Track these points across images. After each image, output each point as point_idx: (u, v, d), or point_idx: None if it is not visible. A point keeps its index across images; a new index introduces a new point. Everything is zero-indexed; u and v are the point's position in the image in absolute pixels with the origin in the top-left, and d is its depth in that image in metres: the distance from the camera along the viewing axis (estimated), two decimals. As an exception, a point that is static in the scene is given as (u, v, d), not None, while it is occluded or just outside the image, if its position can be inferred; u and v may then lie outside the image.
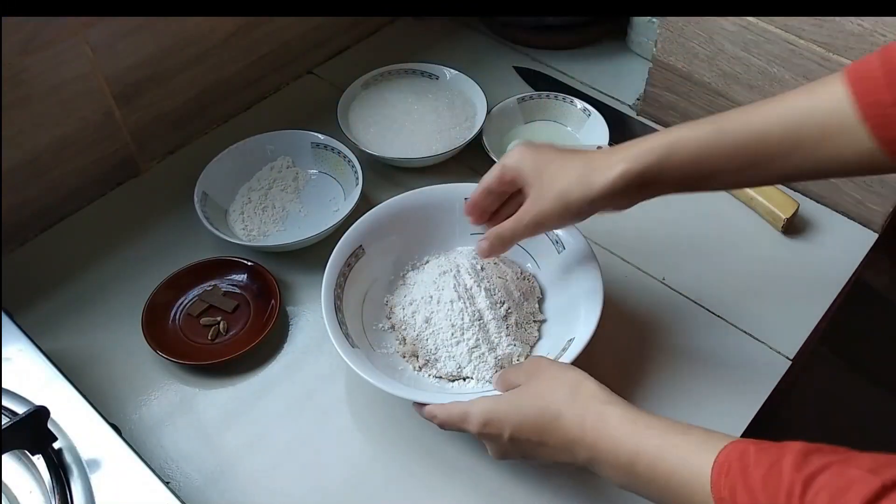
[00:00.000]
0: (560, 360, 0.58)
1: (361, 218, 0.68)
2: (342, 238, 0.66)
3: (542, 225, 0.57)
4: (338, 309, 0.63)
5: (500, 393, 0.56)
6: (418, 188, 0.71)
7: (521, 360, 0.63)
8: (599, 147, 0.81)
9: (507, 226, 0.58)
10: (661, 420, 0.48)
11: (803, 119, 0.49)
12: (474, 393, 0.60)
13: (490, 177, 0.59)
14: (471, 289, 0.63)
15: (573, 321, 0.63)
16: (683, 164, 0.53)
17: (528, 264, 0.70)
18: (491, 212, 0.62)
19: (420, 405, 0.57)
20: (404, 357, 0.64)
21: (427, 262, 0.70)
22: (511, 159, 0.58)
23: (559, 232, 0.67)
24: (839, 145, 0.48)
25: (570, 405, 0.50)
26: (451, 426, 0.55)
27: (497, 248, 0.60)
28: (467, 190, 0.68)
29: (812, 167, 0.51)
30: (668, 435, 0.47)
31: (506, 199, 0.61)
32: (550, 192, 0.55)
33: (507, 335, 0.63)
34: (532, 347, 0.65)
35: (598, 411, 0.49)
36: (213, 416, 0.64)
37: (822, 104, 0.49)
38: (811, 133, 0.49)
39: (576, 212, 0.55)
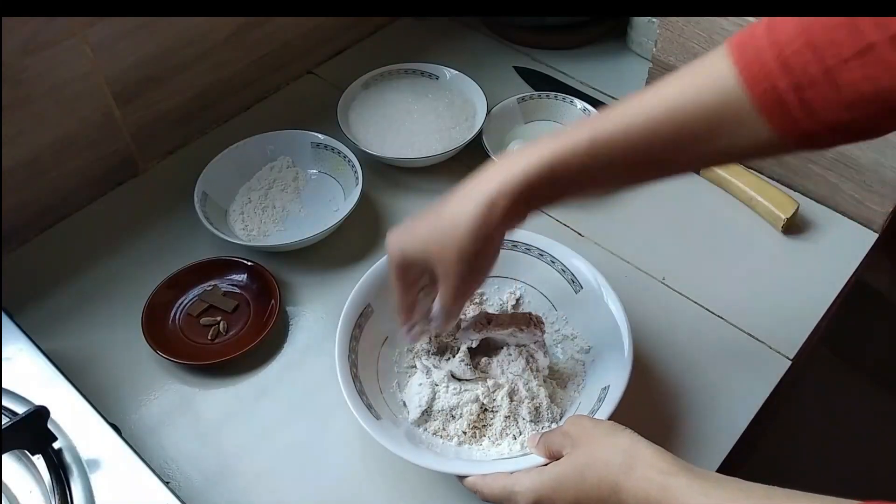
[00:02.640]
0: (599, 415, 0.55)
1: (366, 275, 0.64)
2: (349, 300, 0.63)
3: (473, 282, 0.53)
4: (355, 377, 0.59)
5: (542, 462, 0.52)
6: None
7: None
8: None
9: (445, 300, 0.53)
10: (735, 485, 0.43)
11: (691, 113, 0.45)
12: (514, 457, 0.55)
13: (393, 277, 0.54)
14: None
15: (601, 365, 0.61)
16: (567, 184, 0.48)
17: (548, 308, 0.67)
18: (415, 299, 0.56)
19: (461, 475, 0.54)
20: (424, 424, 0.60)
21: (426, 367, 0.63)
22: (393, 250, 0.53)
23: (574, 272, 0.65)
24: (734, 136, 0.45)
25: (628, 477, 0.46)
26: (495, 501, 0.51)
27: (449, 323, 0.56)
28: None
29: (704, 161, 0.48)
30: None
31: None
32: (451, 256, 0.50)
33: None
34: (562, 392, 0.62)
35: (662, 484, 0.45)
36: (213, 416, 0.64)
37: (710, 94, 0.45)
38: (701, 128, 0.45)
39: (482, 251, 0.50)
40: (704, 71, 0.46)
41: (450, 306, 0.53)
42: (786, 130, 0.44)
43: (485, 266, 0.53)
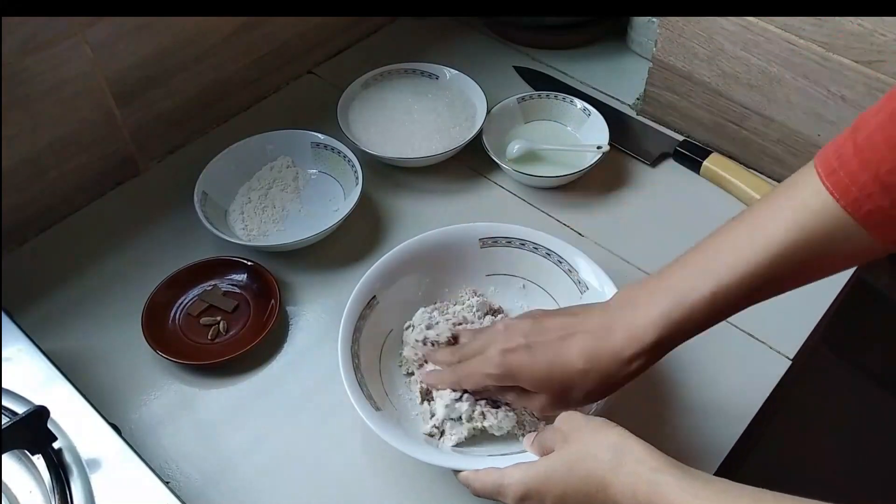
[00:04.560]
0: (595, 414, 0.55)
1: (372, 268, 0.65)
2: (354, 292, 0.63)
3: None
4: (356, 368, 0.59)
5: (534, 458, 0.52)
6: (427, 231, 0.68)
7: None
8: (599, 147, 0.81)
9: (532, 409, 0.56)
10: (724, 486, 0.43)
11: (803, 249, 0.48)
12: (509, 455, 0.55)
13: (486, 380, 0.55)
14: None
15: None
16: (687, 332, 0.51)
17: (552, 307, 0.66)
18: None
19: (455, 470, 0.54)
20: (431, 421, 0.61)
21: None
22: (511, 368, 0.54)
23: (581, 273, 0.65)
24: (845, 254, 0.48)
25: (617, 472, 0.46)
26: (487, 495, 0.52)
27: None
28: (479, 230, 0.66)
29: (816, 278, 0.51)
30: None
31: None
32: (572, 403, 0.53)
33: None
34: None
35: (650, 480, 0.45)
36: (213, 415, 0.64)
37: (817, 228, 0.47)
38: (814, 259, 0.48)
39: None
40: (802, 203, 0.48)
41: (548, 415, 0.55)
42: (892, 240, 0.47)
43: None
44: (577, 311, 0.55)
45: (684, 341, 0.52)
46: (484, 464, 0.53)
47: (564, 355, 0.52)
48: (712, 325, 0.52)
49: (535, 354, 0.53)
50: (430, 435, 0.59)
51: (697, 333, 0.52)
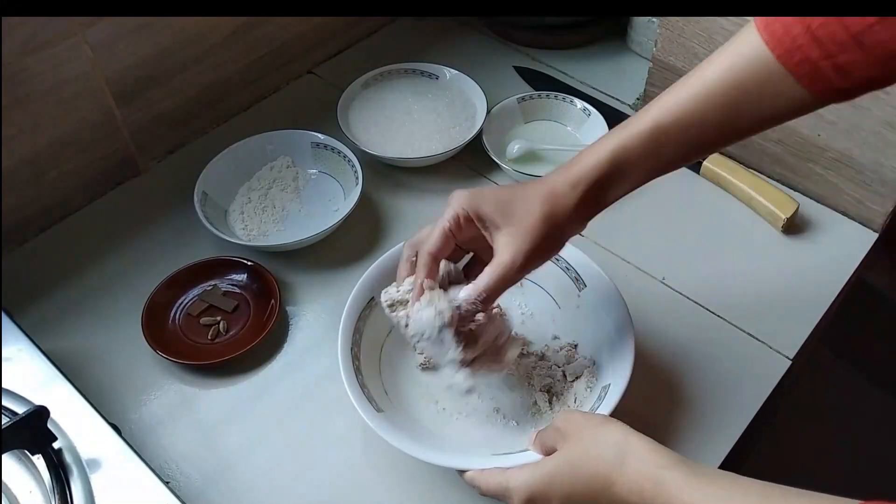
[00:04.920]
0: (597, 412, 0.55)
1: (370, 268, 0.64)
2: (353, 292, 0.63)
3: (532, 261, 0.53)
4: (357, 370, 0.59)
5: (539, 458, 0.51)
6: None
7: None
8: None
9: (495, 274, 0.52)
10: (731, 481, 0.43)
11: (735, 91, 0.49)
12: (511, 454, 0.55)
13: (443, 227, 0.54)
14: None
15: (602, 364, 0.61)
16: (629, 171, 0.52)
17: (551, 306, 0.67)
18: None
19: (460, 470, 0.54)
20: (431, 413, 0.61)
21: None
22: (463, 200, 0.54)
23: (579, 270, 0.65)
24: (776, 103, 0.50)
25: (622, 470, 0.46)
26: (492, 496, 0.52)
27: (484, 305, 0.54)
28: None
29: (751, 130, 0.52)
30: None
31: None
32: (531, 221, 0.52)
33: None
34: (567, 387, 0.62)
35: (656, 477, 0.44)
36: (213, 415, 0.64)
37: (749, 73, 0.49)
38: (745, 103, 0.50)
39: (561, 235, 0.53)
40: (739, 51, 0.50)
41: (492, 288, 0.52)
42: (823, 92, 0.48)
43: (545, 252, 0.54)
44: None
45: (632, 183, 0.53)
46: (487, 463, 0.53)
47: (527, 198, 0.53)
48: (654, 169, 0.53)
49: (500, 194, 0.54)
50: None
51: (643, 176, 0.53)
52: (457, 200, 0.55)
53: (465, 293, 0.53)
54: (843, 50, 0.45)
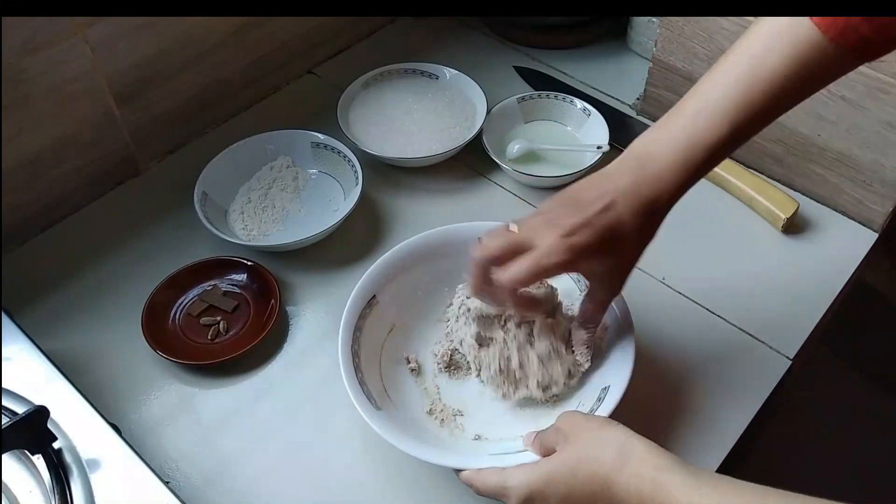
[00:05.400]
0: (598, 414, 0.55)
1: (372, 266, 0.65)
2: (354, 291, 0.63)
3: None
4: (357, 367, 0.59)
5: (537, 458, 0.52)
6: (427, 231, 0.68)
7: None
8: (599, 147, 0.81)
9: (602, 296, 0.57)
10: (729, 484, 0.43)
11: (801, 84, 0.51)
12: (510, 454, 0.55)
13: (558, 263, 0.52)
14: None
15: (602, 364, 0.61)
16: (706, 171, 0.54)
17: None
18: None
19: (457, 469, 0.54)
20: (431, 413, 0.62)
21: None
22: (571, 243, 0.52)
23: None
24: (831, 78, 0.52)
25: (621, 472, 0.46)
26: (489, 495, 0.52)
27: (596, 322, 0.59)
28: (479, 229, 0.65)
29: (813, 92, 0.54)
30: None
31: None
32: (623, 260, 0.55)
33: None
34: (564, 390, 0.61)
35: (655, 479, 0.44)
36: (212, 415, 0.64)
37: (812, 63, 0.50)
38: (806, 90, 0.52)
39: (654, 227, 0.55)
40: (795, 38, 0.50)
41: (605, 302, 0.57)
42: (855, 48, 0.49)
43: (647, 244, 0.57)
44: (600, 177, 0.55)
45: (706, 174, 0.55)
46: (486, 463, 0.53)
47: (616, 219, 0.53)
48: (726, 157, 0.55)
49: (593, 227, 0.52)
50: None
51: (715, 167, 0.55)
52: (570, 243, 0.52)
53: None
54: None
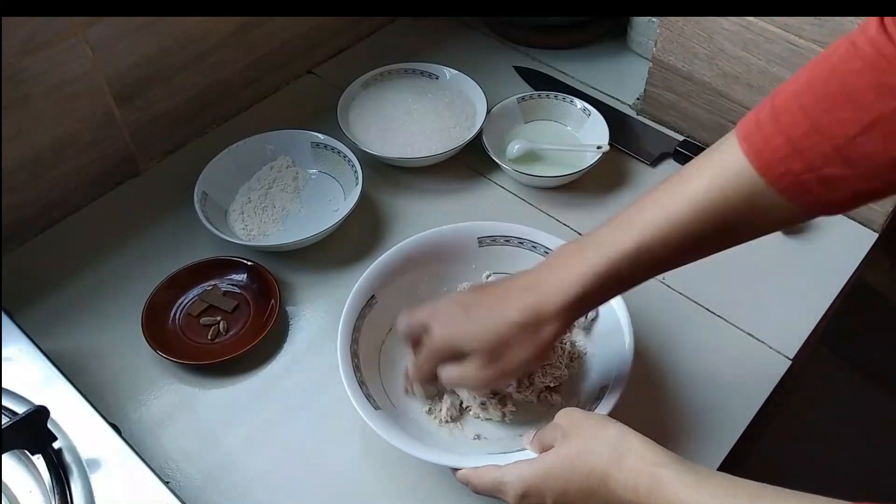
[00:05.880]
0: (596, 412, 0.55)
1: (371, 266, 0.65)
2: (353, 291, 0.63)
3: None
4: (356, 368, 0.59)
5: (534, 455, 0.51)
6: (426, 231, 0.68)
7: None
8: (599, 147, 0.81)
9: (477, 384, 0.57)
10: (725, 481, 0.43)
11: (720, 210, 0.48)
12: (508, 453, 0.55)
13: (427, 358, 0.56)
14: None
15: (601, 365, 0.61)
16: (612, 287, 0.53)
17: None
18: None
19: (454, 468, 0.54)
20: (430, 413, 0.62)
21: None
22: (443, 338, 0.55)
23: None
24: (765, 219, 0.49)
25: (618, 467, 0.46)
26: (486, 493, 0.52)
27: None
28: (478, 228, 0.66)
29: (740, 241, 0.52)
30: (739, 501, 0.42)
31: None
32: (511, 364, 0.53)
33: None
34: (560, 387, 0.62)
35: (651, 475, 0.45)
36: (212, 415, 0.64)
37: (733, 190, 0.48)
38: (733, 221, 0.49)
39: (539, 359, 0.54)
40: (721, 164, 0.48)
41: (480, 388, 0.59)
42: (810, 205, 0.47)
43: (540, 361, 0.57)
44: (513, 275, 0.56)
45: (612, 296, 0.54)
46: (483, 462, 0.53)
47: (501, 310, 0.53)
48: (638, 282, 0.53)
49: (472, 316, 0.54)
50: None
51: (623, 290, 0.54)
52: (438, 337, 0.55)
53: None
54: (827, 163, 0.44)
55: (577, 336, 0.65)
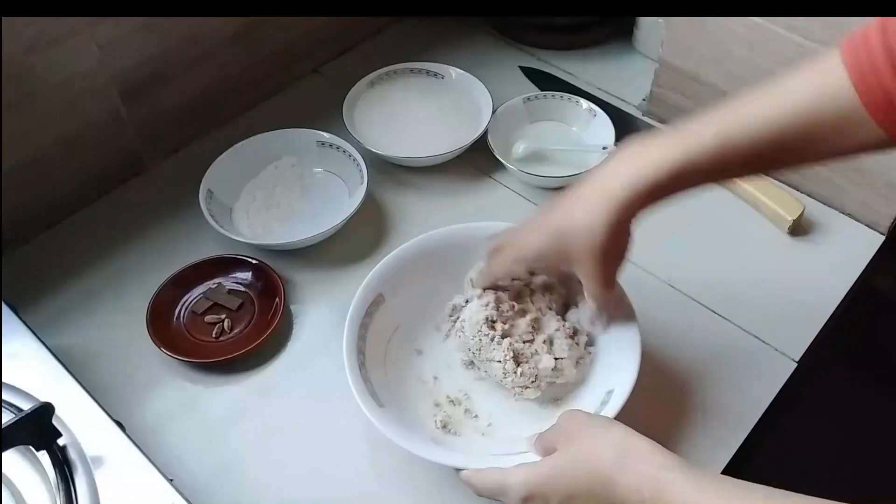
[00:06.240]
0: (601, 413, 0.55)
1: (379, 264, 0.65)
2: (360, 288, 0.63)
3: (612, 271, 0.57)
4: (361, 365, 0.60)
5: (537, 458, 0.51)
6: (435, 230, 0.68)
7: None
8: (605, 148, 0.81)
9: (593, 292, 0.58)
10: (730, 484, 0.43)
11: (813, 119, 0.48)
12: (511, 455, 0.54)
13: (514, 270, 0.60)
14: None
15: (607, 368, 0.61)
16: (693, 181, 0.52)
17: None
18: None
19: (458, 469, 0.54)
20: (437, 405, 0.62)
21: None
22: (526, 249, 0.58)
23: None
24: (850, 139, 0.48)
25: (622, 470, 0.45)
26: (489, 496, 0.51)
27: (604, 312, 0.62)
28: (487, 229, 0.66)
29: (821, 158, 0.51)
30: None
31: None
32: (588, 258, 0.54)
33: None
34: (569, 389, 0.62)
35: (656, 478, 0.44)
36: (216, 413, 0.65)
37: (828, 100, 0.47)
38: (823, 134, 0.48)
39: (617, 245, 0.55)
40: (819, 72, 0.48)
41: (600, 296, 0.58)
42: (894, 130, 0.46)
43: (620, 253, 0.56)
44: (590, 171, 0.57)
45: (686, 189, 0.53)
46: (486, 463, 0.53)
47: (564, 220, 0.54)
48: (713, 180, 0.53)
49: (547, 220, 0.56)
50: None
51: (698, 185, 0.53)
52: (521, 247, 0.58)
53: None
54: None
55: (584, 338, 0.65)
